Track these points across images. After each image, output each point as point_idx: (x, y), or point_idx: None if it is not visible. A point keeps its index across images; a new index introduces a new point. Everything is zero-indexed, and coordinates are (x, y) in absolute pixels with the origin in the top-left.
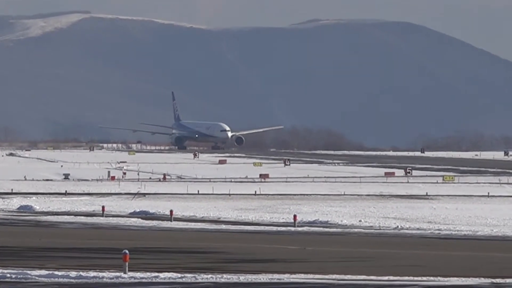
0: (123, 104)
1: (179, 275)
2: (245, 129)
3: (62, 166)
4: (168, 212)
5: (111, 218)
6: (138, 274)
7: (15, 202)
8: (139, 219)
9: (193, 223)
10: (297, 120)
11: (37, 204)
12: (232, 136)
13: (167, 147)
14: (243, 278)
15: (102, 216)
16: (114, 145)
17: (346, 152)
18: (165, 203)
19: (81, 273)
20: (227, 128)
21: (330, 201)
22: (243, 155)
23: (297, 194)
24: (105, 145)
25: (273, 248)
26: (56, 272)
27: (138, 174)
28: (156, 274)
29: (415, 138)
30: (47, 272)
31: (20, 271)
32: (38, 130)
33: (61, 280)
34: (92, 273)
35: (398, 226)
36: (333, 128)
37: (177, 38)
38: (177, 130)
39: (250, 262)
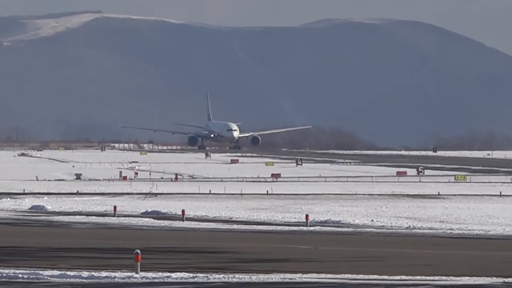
0: (135, 103)
1: (191, 275)
2: (258, 128)
3: (73, 166)
4: (180, 212)
5: (123, 218)
6: (150, 274)
7: (27, 202)
8: (151, 219)
9: (205, 223)
10: (309, 120)
11: (49, 204)
12: (249, 135)
13: (178, 147)
14: (255, 277)
15: (114, 216)
16: (126, 145)
17: (358, 151)
18: (177, 203)
19: (93, 273)
20: (234, 128)
21: (342, 201)
22: (255, 154)
23: (309, 194)
24: (116, 145)
25: (285, 248)
26: (68, 272)
27: (149, 174)
28: (168, 274)
29: (427, 138)
30: (59, 272)
31: (32, 271)
32: (50, 130)
33: (73, 280)
34: (104, 273)
35: (410, 226)
36: (344, 127)
37: (189, 38)
38: (205, 129)
39: (262, 261)
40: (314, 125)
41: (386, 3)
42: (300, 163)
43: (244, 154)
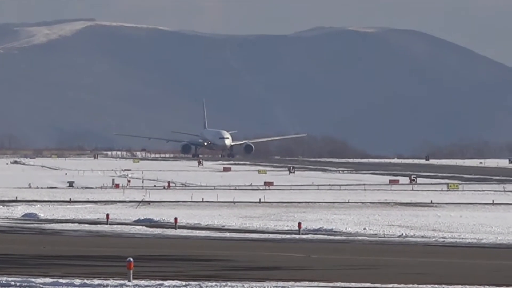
0: (128, 111)
1: (184, 283)
2: (251, 136)
3: (66, 173)
4: (172, 220)
5: (115, 226)
6: (143, 282)
7: (20, 210)
8: (144, 227)
9: (197, 231)
10: (301, 128)
11: (42, 212)
12: (243, 143)
13: (171, 155)
14: (247, 286)
15: (107, 224)
16: (119, 152)
17: (350, 159)
18: (170, 210)
19: (85, 281)
20: (226, 136)
21: (334, 209)
22: (248, 162)
23: (302, 202)
24: (109, 152)
25: (277, 256)
26: (61, 280)
27: (142, 181)
28: (161, 282)
29: (419, 146)
30: (51, 280)
31: (24, 279)
32: (43, 138)
33: None
34: (96, 281)
35: (402, 234)
36: (337, 135)
37: (182, 46)
38: (200, 138)
39: (254, 269)
40: (307, 133)
41: (379, 11)
42: (292, 171)
43: (236, 162)
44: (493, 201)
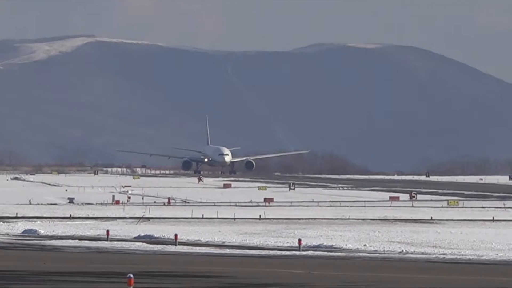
0: (128, 127)
1: None
2: (252, 153)
3: (66, 190)
4: (172, 236)
5: (115, 242)
6: None
7: (20, 226)
8: (144, 243)
9: (197, 248)
10: (301, 144)
11: (42, 228)
12: (244, 160)
13: (172, 171)
14: None
15: (107, 240)
16: (119, 169)
17: (350, 176)
18: (170, 227)
19: None
20: (225, 152)
21: (334, 225)
22: (248, 179)
23: (302, 218)
24: (109, 169)
25: (278, 272)
26: None
27: (142, 198)
28: None
29: (419, 162)
30: None
31: None
32: (43, 154)
33: None
34: None
35: (403, 251)
36: (337, 152)
37: (182, 62)
38: (202, 154)
39: (255, 286)
40: (307, 149)
41: (379, 28)
42: (293, 187)
43: (237, 179)
44: (493, 217)
